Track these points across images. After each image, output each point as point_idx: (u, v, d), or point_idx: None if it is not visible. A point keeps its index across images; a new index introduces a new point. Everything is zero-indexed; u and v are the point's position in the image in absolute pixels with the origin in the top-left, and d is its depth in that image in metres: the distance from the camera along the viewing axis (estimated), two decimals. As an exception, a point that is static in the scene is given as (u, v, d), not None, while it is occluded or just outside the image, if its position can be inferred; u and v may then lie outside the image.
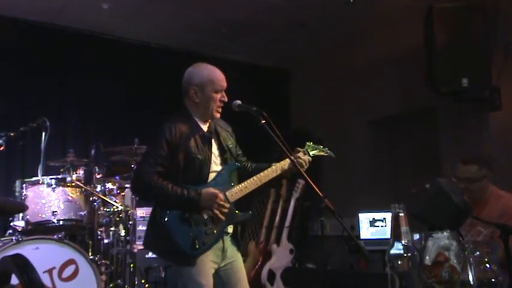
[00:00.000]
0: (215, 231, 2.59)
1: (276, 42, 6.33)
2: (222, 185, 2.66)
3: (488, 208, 3.10)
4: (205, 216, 2.58)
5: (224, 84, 2.75)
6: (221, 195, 2.57)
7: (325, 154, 3.00)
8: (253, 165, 2.91)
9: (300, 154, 2.80)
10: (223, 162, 2.76)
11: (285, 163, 2.76)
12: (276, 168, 2.76)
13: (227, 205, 2.58)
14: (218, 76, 2.75)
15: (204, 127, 2.77)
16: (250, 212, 2.79)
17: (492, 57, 4.55)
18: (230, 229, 2.73)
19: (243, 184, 2.69)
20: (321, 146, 2.99)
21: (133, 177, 2.83)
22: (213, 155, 2.72)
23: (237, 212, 2.69)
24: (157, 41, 6.24)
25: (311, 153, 2.88)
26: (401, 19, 5.41)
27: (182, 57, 6.38)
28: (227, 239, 2.71)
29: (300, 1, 5.36)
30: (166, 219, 2.56)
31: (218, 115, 2.78)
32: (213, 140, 2.76)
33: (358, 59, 6.15)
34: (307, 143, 2.94)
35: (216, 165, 2.72)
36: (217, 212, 2.56)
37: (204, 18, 5.68)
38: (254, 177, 2.71)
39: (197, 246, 2.52)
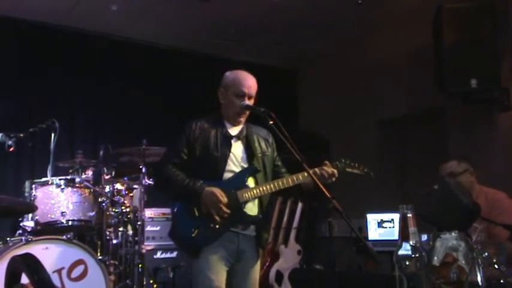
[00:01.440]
0: (218, 226, 2.60)
1: (283, 42, 6.33)
2: (236, 185, 2.68)
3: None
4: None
5: (246, 90, 2.73)
6: (223, 198, 2.57)
7: (361, 173, 2.99)
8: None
9: (325, 166, 2.78)
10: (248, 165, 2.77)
11: (304, 174, 2.69)
12: (296, 178, 2.73)
13: (227, 210, 2.58)
14: (241, 81, 2.75)
15: (232, 130, 2.80)
16: (261, 216, 2.76)
17: (501, 57, 4.51)
18: (252, 232, 2.74)
19: (257, 187, 2.70)
20: (360, 165, 2.98)
21: (153, 166, 2.97)
22: (232, 155, 2.73)
23: (245, 211, 2.68)
24: (165, 41, 6.25)
25: (346, 169, 2.88)
26: (410, 19, 5.39)
27: (190, 58, 6.41)
28: (244, 241, 2.71)
29: (307, 1, 5.35)
30: (175, 209, 2.71)
31: (241, 119, 2.79)
32: (236, 142, 2.77)
33: (366, 59, 6.12)
34: (342, 159, 2.91)
35: (234, 166, 2.73)
36: (213, 211, 2.57)
37: (211, 19, 5.69)
38: (271, 183, 2.73)
39: (193, 235, 2.58)
